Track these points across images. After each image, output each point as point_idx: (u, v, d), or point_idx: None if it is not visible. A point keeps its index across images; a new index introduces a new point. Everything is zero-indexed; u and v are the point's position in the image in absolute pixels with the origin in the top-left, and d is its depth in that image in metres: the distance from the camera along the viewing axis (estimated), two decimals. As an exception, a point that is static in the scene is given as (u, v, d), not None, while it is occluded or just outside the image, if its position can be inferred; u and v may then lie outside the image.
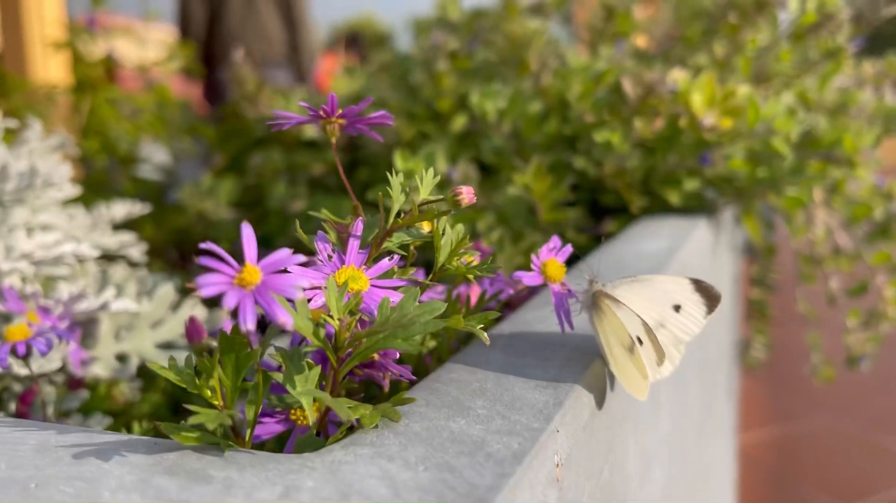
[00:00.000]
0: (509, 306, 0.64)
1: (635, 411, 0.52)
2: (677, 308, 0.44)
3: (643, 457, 0.55)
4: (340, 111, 0.45)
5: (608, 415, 0.45)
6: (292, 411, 0.41)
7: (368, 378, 0.41)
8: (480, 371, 0.42)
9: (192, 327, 0.51)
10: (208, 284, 0.29)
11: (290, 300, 0.31)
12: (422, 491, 0.29)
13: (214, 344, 0.47)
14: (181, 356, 0.70)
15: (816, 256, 1.26)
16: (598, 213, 1.00)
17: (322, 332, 0.34)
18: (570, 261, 0.48)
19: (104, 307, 0.64)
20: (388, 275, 0.40)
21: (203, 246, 0.30)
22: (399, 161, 0.67)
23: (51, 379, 0.62)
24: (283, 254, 0.31)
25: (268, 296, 0.29)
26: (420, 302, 0.36)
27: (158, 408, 0.78)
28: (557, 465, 0.35)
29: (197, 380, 0.33)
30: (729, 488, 1.31)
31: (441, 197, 0.41)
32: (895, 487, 1.42)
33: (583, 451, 0.39)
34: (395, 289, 0.39)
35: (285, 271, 0.32)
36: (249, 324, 0.28)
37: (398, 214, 0.41)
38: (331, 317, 0.34)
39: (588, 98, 0.94)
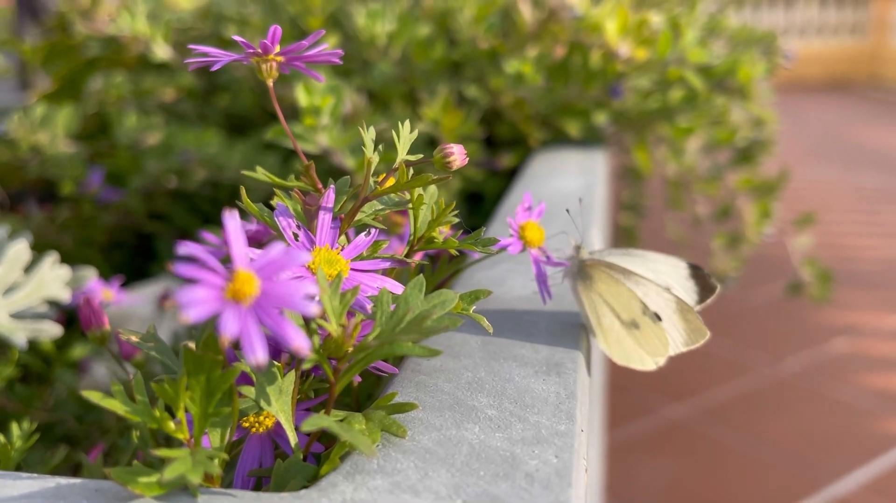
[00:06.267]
0: (432, 258, 0.58)
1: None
2: (666, 290, 0.41)
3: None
4: (279, 48, 0.37)
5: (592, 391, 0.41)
6: (244, 419, 0.33)
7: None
8: (463, 354, 0.37)
9: (88, 312, 0.42)
10: (194, 303, 0.21)
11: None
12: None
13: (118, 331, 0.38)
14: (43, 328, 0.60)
15: (685, 181, 1.29)
16: (491, 145, 0.95)
17: (317, 341, 0.27)
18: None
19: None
20: (362, 255, 0.33)
21: (182, 248, 0.22)
22: (303, 96, 0.58)
23: None
24: (277, 249, 0.24)
25: (273, 312, 0.22)
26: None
27: (12, 384, 0.67)
28: (585, 471, 0.31)
29: (156, 412, 0.26)
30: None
31: (422, 156, 0.34)
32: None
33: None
34: (380, 272, 0.32)
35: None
36: (260, 356, 0.21)
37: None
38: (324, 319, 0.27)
39: (482, 21, 0.87)
